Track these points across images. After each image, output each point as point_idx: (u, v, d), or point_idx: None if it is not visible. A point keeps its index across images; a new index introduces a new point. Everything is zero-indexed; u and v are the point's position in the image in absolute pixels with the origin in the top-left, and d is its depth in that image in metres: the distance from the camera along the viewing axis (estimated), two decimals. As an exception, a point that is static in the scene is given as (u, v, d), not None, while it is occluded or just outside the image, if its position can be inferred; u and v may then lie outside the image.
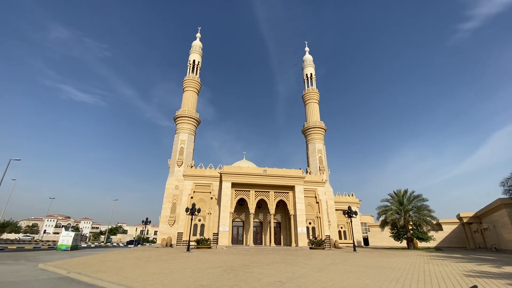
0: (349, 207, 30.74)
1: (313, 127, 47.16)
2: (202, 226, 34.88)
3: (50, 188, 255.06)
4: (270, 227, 35.22)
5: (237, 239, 36.69)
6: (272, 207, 34.38)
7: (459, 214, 44.87)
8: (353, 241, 30.09)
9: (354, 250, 27.68)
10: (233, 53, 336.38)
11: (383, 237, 51.10)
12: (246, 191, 34.76)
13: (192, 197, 35.44)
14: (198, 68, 50.83)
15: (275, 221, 37.98)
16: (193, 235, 32.82)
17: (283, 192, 35.61)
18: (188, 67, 50.34)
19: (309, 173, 41.62)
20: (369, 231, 57.11)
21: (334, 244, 37.25)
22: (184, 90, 48.10)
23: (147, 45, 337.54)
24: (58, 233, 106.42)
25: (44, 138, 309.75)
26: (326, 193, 39.41)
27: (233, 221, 35.97)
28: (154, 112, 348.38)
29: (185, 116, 44.26)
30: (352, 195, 49.07)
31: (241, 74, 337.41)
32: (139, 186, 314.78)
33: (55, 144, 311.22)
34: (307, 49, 57.67)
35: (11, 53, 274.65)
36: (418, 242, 38.26)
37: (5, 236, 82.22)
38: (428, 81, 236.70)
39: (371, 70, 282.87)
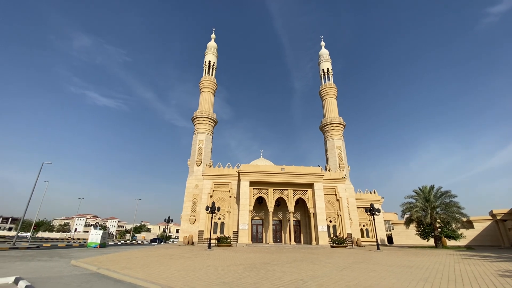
0: (371, 205, 29.81)
1: (332, 123, 46.16)
2: (222, 224, 35.37)
3: (79, 189, 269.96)
4: (289, 225, 35.01)
5: (256, 237, 36.83)
6: (291, 205, 34.13)
7: (492, 210, 42.11)
8: (376, 239, 29.15)
9: (378, 248, 26.83)
10: (247, 51, 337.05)
11: (408, 235, 49.10)
12: (264, 189, 34.76)
13: (211, 196, 36.01)
14: (214, 68, 51.43)
15: (295, 219, 37.68)
16: (213, 233, 33.36)
17: (302, 190, 35.23)
18: (204, 68, 51.09)
19: (328, 170, 40.82)
20: (393, 229, 55.12)
21: (356, 242, 36.33)
22: (201, 91, 48.89)
23: (164, 49, 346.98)
24: (87, 231, 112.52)
25: (72, 141, 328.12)
26: (346, 191, 38.50)
27: (252, 219, 36.14)
28: (173, 114, 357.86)
29: (203, 117, 44.99)
30: (374, 192, 47.58)
31: (256, 72, 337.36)
32: (160, 186, 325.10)
33: (82, 147, 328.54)
34: (323, 43, 56.51)
35: (41, 62, 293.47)
36: (447, 240, 36.35)
37: (40, 234, 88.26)
38: (454, 69, 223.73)
39: (391, 61, 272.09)
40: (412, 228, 40.29)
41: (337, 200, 36.83)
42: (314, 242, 32.98)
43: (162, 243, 54.49)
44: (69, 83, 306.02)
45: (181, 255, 18.42)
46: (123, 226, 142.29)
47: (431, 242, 38.23)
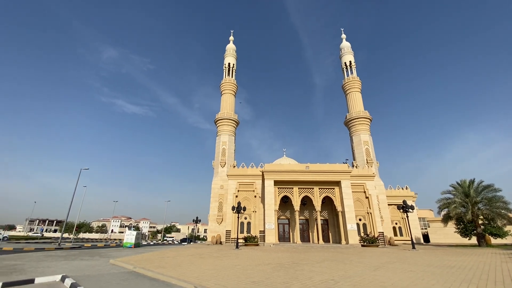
0: (404, 201, 28.26)
1: (357, 118, 44.47)
2: (249, 224, 35.61)
3: (113, 192, 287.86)
4: (316, 224, 34.33)
5: (283, 237, 36.58)
6: (317, 203, 33.46)
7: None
8: (411, 238, 27.53)
9: (413, 247, 25.35)
10: (265, 50, 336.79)
11: (446, 234, 45.88)
12: (289, 188, 34.43)
13: (236, 196, 36.41)
14: (234, 70, 51.98)
15: (322, 218, 36.86)
16: (240, 233, 33.70)
17: (329, 188, 34.38)
18: (224, 70, 51.82)
19: (356, 167, 39.41)
20: (429, 227, 51.87)
21: (389, 241, 34.68)
22: (222, 93, 49.65)
23: (184, 54, 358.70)
24: (122, 232, 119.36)
25: (104, 148, 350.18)
26: (376, 187, 36.88)
27: (278, 218, 35.97)
28: (196, 117, 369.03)
29: (225, 119, 45.66)
30: (407, 188, 45.12)
31: (275, 71, 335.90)
32: (188, 187, 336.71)
33: (114, 153, 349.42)
34: (343, 36, 54.68)
35: (74, 76, 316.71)
36: (492, 238, 33.42)
37: (81, 235, 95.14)
38: (499, 54, 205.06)
39: (419, 48, 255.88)
40: (451, 225, 37.60)
41: (366, 197, 35.44)
42: (343, 242, 32.03)
43: (191, 243, 56.20)
44: (99, 94, 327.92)
45: (210, 255, 18.81)
46: (155, 227, 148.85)
47: (473, 240, 35.36)
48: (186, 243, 55.43)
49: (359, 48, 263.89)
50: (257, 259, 15.92)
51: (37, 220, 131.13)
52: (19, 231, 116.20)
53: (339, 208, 33.28)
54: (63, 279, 9.45)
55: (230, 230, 34.88)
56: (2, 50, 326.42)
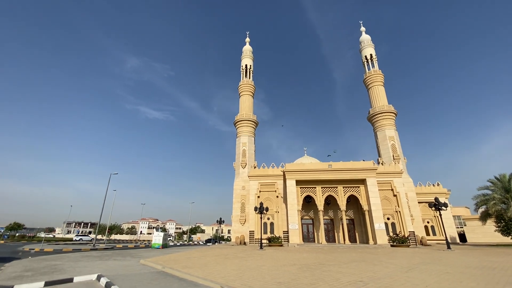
0: (436, 199, 26.67)
1: (381, 112, 42.69)
2: (272, 224, 35.51)
3: (140, 194, 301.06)
4: (342, 224, 33.41)
5: (307, 237, 36.02)
6: (342, 203, 32.57)
7: None
8: (446, 237, 25.83)
9: (448, 247, 23.80)
10: (282, 48, 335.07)
11: (485, 232, 42.60)
12: (312, 187, 33.85)
13: (258, 197, 36.45)
14: (251, 71, 52.21)
15: (347, 217, 35.80)
16: (263, 233, 33.68)
17: (353, 187, 33.35)
18: (241, 72, 52.22)
19: (382, 163, 37.82)
20: (465, 225, 48.46)
21: (421, 241, 32.86)
22: (240, 95, 50.04)
23: (202, 59, 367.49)
24: (150, 233, 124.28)
25: (131, 153, 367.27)
26: (404, 185, 35.17)
27: (301, 218, 35.48)
28: (216, 120, 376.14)
29: (244, 120, 45.96)
30: (438, 185, 42.52)
31: (293, 69, 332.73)
32: (211, 189, 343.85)
33: (141, 157, 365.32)
34: (363, 28, 52.88)
35: (102, 87, 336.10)
36: (539, 237, 30.48)
37: (113, 237, 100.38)
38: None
39: (446, 36, 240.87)
40: (490, 223, 34.84)
41: (394, 195, 33.92)
42: (371, 242, 30.88)
43: (216, 244, 57.14)
44: (124, 101, 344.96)
45: (235, 255, 18.98)
46: (180, 228, 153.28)
47: (518, 239, 32.47)
48: (210, 244, 56.45)
49: (380, 41, 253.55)
50: (282, 259, 15.80)
51: (74, 223, 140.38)
52: (58, 233, 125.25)
53: (365, 207, 32.16)
54: (98, 278, 10.01)
55: (253, 231, 34.99)
56: (43, 71, 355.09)
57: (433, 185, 42.67)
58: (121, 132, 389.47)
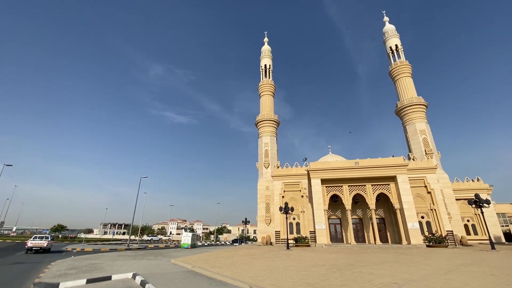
0: (477, 195, 24.66)
1: (410, 105, 40.36)
2: (298, 224, 35.05)
3: (168, 196, 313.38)
4: (372, 223, 32.08)
5: (336, 237, 35.04)
6: (371, 201, 31.29)
7: None
8: (489, 236, 23.74)
9: (492, 247, 21.86)
10: (301, 45, 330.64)
11: (536, 232, 38.66)
12: (338, 186, 32.91)
13: (283, 197, 36.17)
14: (270, 71, 52.05)
15: (377, 216, 34.30)
16: (289, 234, 33.34)
17: (383, 184, 31.90)
18: (261, 72, 52.24)
19: (413, 159, 35.76)
20: (511, 223, 44.36)
21: (461, 241, 30.52)
22: (260, 95, 50.08)
23: (221, 61, 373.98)
24: (179, 234, 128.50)
25: (159, 157, 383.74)
26: (439, 181, 32.92)
27: (328, 218, 34.61)
28: (237, 121, 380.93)
29: (265, 120, 45.91)
30: (478, 180, 39.28)
31: (314, 65, 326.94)
32: (236, 190, 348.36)
33: (168, 161, 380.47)
34: (386, 18, 50.46)
35: (129, 95, 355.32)
36: None
37: (145, 237, 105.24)
38: None
39: (477, 20, 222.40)
40: (542, 222, 31.50)
41: (428, 192, 31.90)
42: (404, 242, 29.31)
43: (242, 244, 57.65)
44: (150, 108, 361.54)
45: (262, 255, 18.98)
46: (207, 228, 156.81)
47: None
48: (237, 244, 57.10)
49: (405, 30, 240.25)
50: (309, 260, 15.52)
51: (109, 224, 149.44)
52: (96, 234, 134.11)
53: (396, 206, 30.61)
54: (134, 276, 10.54)
55: (279, 231, 34.78)
56: (77, 83, 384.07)
57: (472, 180, 39.50)
58: (148, 138, 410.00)
